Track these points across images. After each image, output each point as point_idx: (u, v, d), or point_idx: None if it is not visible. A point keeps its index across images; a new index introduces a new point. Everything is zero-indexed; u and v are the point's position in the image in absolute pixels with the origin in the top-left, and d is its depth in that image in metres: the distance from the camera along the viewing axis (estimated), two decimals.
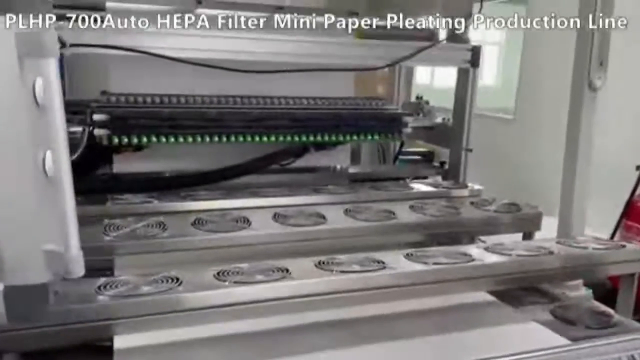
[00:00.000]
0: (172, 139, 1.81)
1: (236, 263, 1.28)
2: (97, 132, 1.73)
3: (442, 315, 1.36)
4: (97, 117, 1.71)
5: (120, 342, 1.13)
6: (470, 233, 1.83)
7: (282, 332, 1.24)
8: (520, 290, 1.61)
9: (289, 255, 1.39)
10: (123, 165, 1.99)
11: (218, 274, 1.23)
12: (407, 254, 1.39)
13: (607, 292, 1.92)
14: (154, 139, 1.79)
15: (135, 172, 1.97)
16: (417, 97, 2.73)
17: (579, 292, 1.69)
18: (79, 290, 1.10)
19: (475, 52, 2.12)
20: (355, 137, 2.04)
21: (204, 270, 1.24)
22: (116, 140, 1.74)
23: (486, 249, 1.46)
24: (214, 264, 1.28)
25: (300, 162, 2.19)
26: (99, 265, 1.35)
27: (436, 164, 2.54)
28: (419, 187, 2.13)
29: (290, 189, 1.96)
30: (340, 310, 1.28)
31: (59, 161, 0.78)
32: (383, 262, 1.32)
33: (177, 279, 1.17)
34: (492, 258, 1.37)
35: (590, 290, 1.71)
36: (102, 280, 1.16)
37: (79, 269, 0.86)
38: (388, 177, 2.37)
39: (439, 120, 2.48)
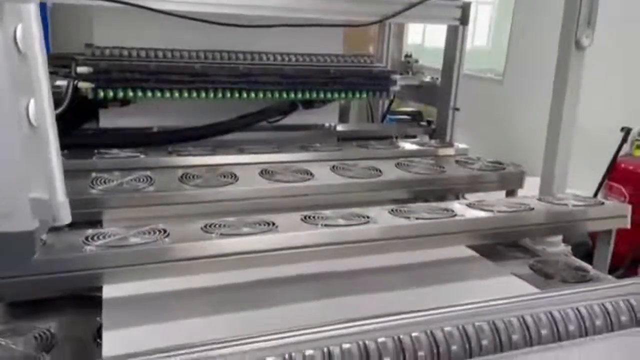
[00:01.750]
0: (158, 94, 1.80)
1: (223, 217, 1.30)
2: (82, 85, 1.71)
3: (423, 269, 1.39)
4: (81, 69, 1.69)
5: (108, 292, 1.16)
6: (454, 190, 1.86)
7: (267, 284, 1.27)
8: (502, 246, 1.66)
9: (275, 210, 1.41)
10: (109, 120, 1.98)
11: (205, 226, 1.24)
12: (391, 210, 1.42)
13: (588, 250, 1.98)
14: (139, 93, 1.78)
15: (121, 128, 1.96)
16: (406, 56, 2.71)
17: (558, 248, 1.74)
18: (66, 240, 1.11)
19: (465, 9, 2.10)
20: (343, 95, 2.04)
21: (191, 223, 1.26)
22: (101, 94, 1.73)
23: (468, 205, 1.49)
24: (201, 218, 1.30)
25: (288, 120, 2.19)
26: (87, 219, 1.37)
27: (424, 123, 2.55)
28: (406, 145, 2.15)
29: (277, 146, 1.96)
30: (323, 264, 1.31)
31: (42, 109, 0.78)
32: (367, 217, 1.35)
33: (165, 231, 1.19)
34: (473, 213, 1.40)
35: (569, 247, 1.77)
36: (90, 231, 1.18)
37: (66, 216, 0.87)
38: (376, 136, 2.38)
39: (427, 79, 2.48)
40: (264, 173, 1.67)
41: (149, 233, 1.18)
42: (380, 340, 0.89)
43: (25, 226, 0.85)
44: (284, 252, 1.23)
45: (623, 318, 1.01)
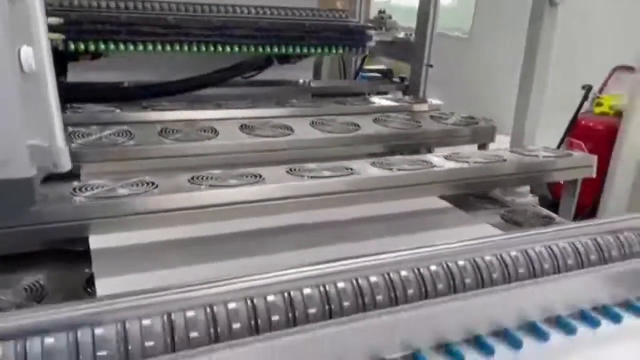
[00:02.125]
0: (131, 47, 1.76)
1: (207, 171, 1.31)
2: (52, 36, 1.64)
3: (401, 220, 1.44)
4: (51, 20, 1.62)
5: (97, 243, 1.16)
6: (429, 145, 1.91)
7: (252, 235, 1.30)
8: (473, 198, 1.74)
9: (257, 165, 1.42)
10: (78, 74, 1.92)
11: (192, 179, 1.25)
12: (374, 162, 1.45)
13: (549, 203, 2.08)
14: (111, 46, 1.73)
15: (90, 82, 1.91)
16: (380, 12, 2.70)
17: (527, 199, 1.83)
18: (54, 192, 1.10)
19: None
20: (320, 50, 2.04)
21: (178, 176, 1.26)
22: (72, 46, 1.68)
23: (446, 157, 1.54)
24: (186, 172, 1.30)
25: (263, 76, 2.18)
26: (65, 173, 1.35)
27: (397, 79, 2.57)
28: (381, 102, 2.17)
29: (254, 102, 1.95)
30: (305, 216, 1.34)
31: (41, 54, 0.76)
32: (351, 169, 1.38)
33: (153, 184, 1.19)
34: (451, 165, 1.45)
35: (537, 198, 1.86)
36: (76, 184, 1.17)
37: (67, 162, 0.86)
38: (350, 93, 2.40)
39: (401, 35, 2.49)
40: (244, 128, 1.68)
41: (137, 185, 1.18)
42: (364, 280, 0.93)
43: (24, 173, 0.84)
44: (272, 203, 1.26)
45: (592, 257, 1.08)
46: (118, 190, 1.15)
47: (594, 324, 1.02)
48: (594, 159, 1.57)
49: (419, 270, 0.96)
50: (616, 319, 1.04)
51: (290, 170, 1.35)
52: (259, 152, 1.59)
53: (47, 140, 0.81)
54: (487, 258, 1.02)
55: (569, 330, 0.99)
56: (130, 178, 1.21)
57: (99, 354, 0.74)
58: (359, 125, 1.78)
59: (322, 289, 0.89)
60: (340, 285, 0.90)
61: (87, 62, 1.87)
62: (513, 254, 1.04)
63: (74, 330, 0.74)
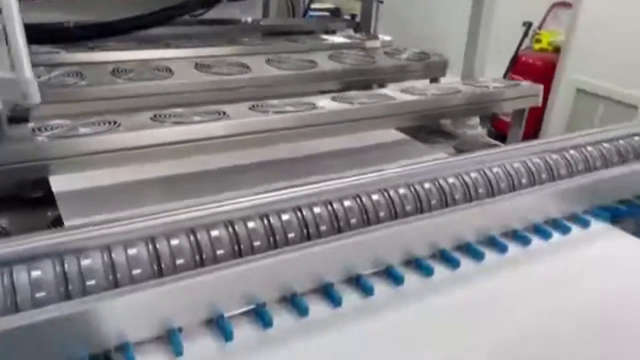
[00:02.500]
0: None
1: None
2: None
3: (362, 153, 1.48)
4: None
5: (60, 186, 1.13)
6: (383, 80, 1.93)
7: (218, 173, 1.30)
8: (425, 133, 1.80)
9: (216, 103, 1.40)
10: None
11: (155, 116, 1.23)
12: (334, 97, 1.47)
13: (492, 136, 2.19)
14: None
15: (32, 23, 1.78)
16: None
17: (476, 130, 1.91)
18: (13, 133, 1.06)
19: None
20: None
21: (139, 115, 1.24)
22: None
23: (402, 90, 1.57)
24: (146, 111, 1.27)
25: (211, 14, 2.11)
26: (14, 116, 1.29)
27: (347, 17, 2.56)
28: (334, 39, 2.17)
29: (205, 40, 1.90)
30: (269, 151, 1.35)
31: None
32: (313, 104, 1.39)
33: (115, 122, 1.16)
34: (410, 97, 1.49)
35: (485, 130, 1.95)
36: (33, 124, 1.12)
37: (36, 94, 0.83)
38: (300, 31, 2.37)
39: None
40: (199, 66, 1.64)
41: (99, 124, 1.15)
42: (338, 203, 0.97)
43: None
44: (237, 139, 1.26)
45: (543, 175, 1.17)
46: (79, 129, 1.12)
47: (546, 235, 1.11)
48: (540, 88, 1.65)
49: (387, 192, 1.01)
50: (565, 230, 1.13)
51: (253, 106, 1.35)
52: (218, 91, 1.57)
53: (13, 71, 0.78)
54: (450, 180, 1.08)
55: (525, 242, 1.08)
56: (90, 117, 1.17)
57: (87, 283, 0.75)
58: (315, 62, 1.78)
59: (299, 213, 0.93)
60: (317, 209, 0.94)
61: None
62: (473, 174, 1.11)
63: (59, 258, 0.74)
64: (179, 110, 1.28)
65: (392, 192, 1.03)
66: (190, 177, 1.29)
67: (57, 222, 1.08)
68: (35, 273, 0.73)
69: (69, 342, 0.70)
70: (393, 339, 0.83)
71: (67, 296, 0.74)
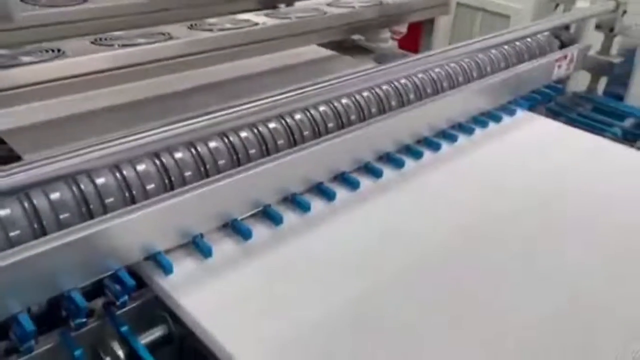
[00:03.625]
0: None
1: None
2: None
3: (296, 70, 1.50)
4: None
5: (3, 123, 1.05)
6: None
7: (172, 96, 1.27)
8: (344, 49, 1.86)
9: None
10: None
11: (95, 40, 1.16)
12: (266, 14, 1.48)
13: None
14: None
15: None
16: None
17: (388, 43, 2.02)
18: None
19: None
20: None
21: (78, 41, 1.17)
22: None
23: (328, 4, 1.62)
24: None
25: None
26: None
27: None
28: None
29: None
30: (205, 74, 1.33)
31: None
32: (250, 20, 1.39)
33: (59, 49, 1.09)
34: (344, 10, 1.54)
35: (396, 42, 2.07)
36: None
37: (17, 13, 0.76)
38: None
39: None
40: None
41: (41, 52, 1.07)
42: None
43: None
44: (184, 59, 1.24)
45: (460, 79, 1.29)
46: (21, 58, 1.03)
47: (484, 124, 1.27)
48: None
49: (333, 104, 1.05)
50: (484, 124, 1.29)
51: (191, 25, 1.33)
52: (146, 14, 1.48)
53: None
54: (384, 87, 1.14)
55: (452, 139, 1.21)
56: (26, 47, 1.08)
57: (106, 200, 0.75)
58: None
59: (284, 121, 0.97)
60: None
61: None
62: (402, 80, 1.18)
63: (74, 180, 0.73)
64: (119, 33, 1.22)
65: (336, 104, 1.05)
66: (134, 105, 1.24)
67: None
68: (55, 195, 0.71)
69: (102, 257, 0.71)
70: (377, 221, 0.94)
71: (90, 215, 0.73)
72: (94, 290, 0.74)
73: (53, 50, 1.08)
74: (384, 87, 1.15)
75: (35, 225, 0.69)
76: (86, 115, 1.15)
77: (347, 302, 0.76)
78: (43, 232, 0.69)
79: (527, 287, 0.82)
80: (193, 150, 0.86)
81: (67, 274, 0.68)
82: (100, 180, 0.76)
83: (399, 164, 1.09)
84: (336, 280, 0.80)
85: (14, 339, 0.66)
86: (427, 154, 1.14)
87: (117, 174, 0.78)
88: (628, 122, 1.46)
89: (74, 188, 0.74)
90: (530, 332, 0.73)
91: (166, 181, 0.82)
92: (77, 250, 0.69)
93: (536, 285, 0.82)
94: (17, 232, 0.68)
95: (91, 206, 0.74)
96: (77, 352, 0.67)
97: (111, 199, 0.76)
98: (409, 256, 0.87)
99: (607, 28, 1.60)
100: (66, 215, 0.72)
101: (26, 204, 0.69)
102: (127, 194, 0.77)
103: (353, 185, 1.00)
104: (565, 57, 1.53)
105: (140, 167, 0.80)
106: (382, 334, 0.71)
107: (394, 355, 0.68)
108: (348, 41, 1.89)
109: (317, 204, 0.94)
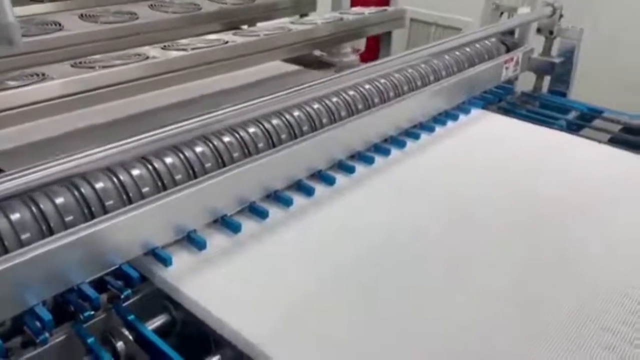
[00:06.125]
0: None
1: None
2: None
3: (262, 85, 1.59)
4: None
5: None
6: (257, 19, 2.00)
7: (143, 115, 1.34)
8: (306, 64, 1.96)
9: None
10: None
11: (75, 64, 1.22)
12: (235, 32, 1.57)
13: None
14: None
15: None
16: None
17: (350, 58, 2.14)
18: None
19: None
20: None
21: (59, 65, 1.22)
22: None
23: (292, 22, 1.72)
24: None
25: None
26: None
27: None
28: None
29: None
30: (180, 91, 1.41)
31: None
32: (222, 40, 1.48)
33: (43, 74, 1.15)
34: (308, 27, 1.64)
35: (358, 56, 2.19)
36: None
37: (19, 37, 0.82)
38: None
39: None
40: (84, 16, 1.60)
41: (27, 77, 1.13)
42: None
43: None
44: (160, 78, 1.31)
45: (418, 83, 1.40)
46: (8, 82, 1.09)
47: (431, 129, 1.37)
48: (405, 10, 1.91)
49: (305, 108, 1.15)
50: (443, 122, 1.40)
51: (165, 46, 1.40)
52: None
53: None
54: (351, 92, 1.25)
55: (415, 136, 1.32)
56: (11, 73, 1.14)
57: (107, 203, 0.82)
58: (199, 5, 1.82)
59: (262, 126, 1.06)
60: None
61: None
62: (366, 86, 1.29)
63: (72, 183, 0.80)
64: (97, 56, 1.28)
65: (308, 108, 1.15)
66: (114, 123, 1.31)
67: None
68: (59, 199, 0.78)
69: (106, 253, 0.78)
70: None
71: (92, 216, 0.80)
72: (97, 288, 0.80)
73: (38, 75, 1.14)
74: (351, 92, 1.26)
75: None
76: (69, 134, 1.21)
77: (321, 284, 0.85)
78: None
79: (488, 257, 0.92)
80: (181, 155, 0.93)
81: (76, 268, 0.75)
82: (99, 185, 0.82)
83: (369, 161, 1.18)
84: (311, 264, 0.89)
85: (29, 333, 0.71)
86: (394, 151, 1.24)
87: (114, 178, 0.85)
88: (571, 115, 1.61)
89: (74, 191, 0.81)
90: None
91: (159, 184, 0.89)
92: (82, 247, 0.75)
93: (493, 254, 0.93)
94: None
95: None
96: (91, 340, 0.73)
97: (110, 202, 0.83)
98: (377, 238, 0.97)
99: (547, 31, 1.76)
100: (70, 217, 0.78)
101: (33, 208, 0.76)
102: (124, 196, 0.84)
103: (329, 181, 1.09)
104: (512, 59, 1.67)
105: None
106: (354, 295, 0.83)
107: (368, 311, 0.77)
108: (311, 57, 2.00)
109: (298, 199, 1.03)
